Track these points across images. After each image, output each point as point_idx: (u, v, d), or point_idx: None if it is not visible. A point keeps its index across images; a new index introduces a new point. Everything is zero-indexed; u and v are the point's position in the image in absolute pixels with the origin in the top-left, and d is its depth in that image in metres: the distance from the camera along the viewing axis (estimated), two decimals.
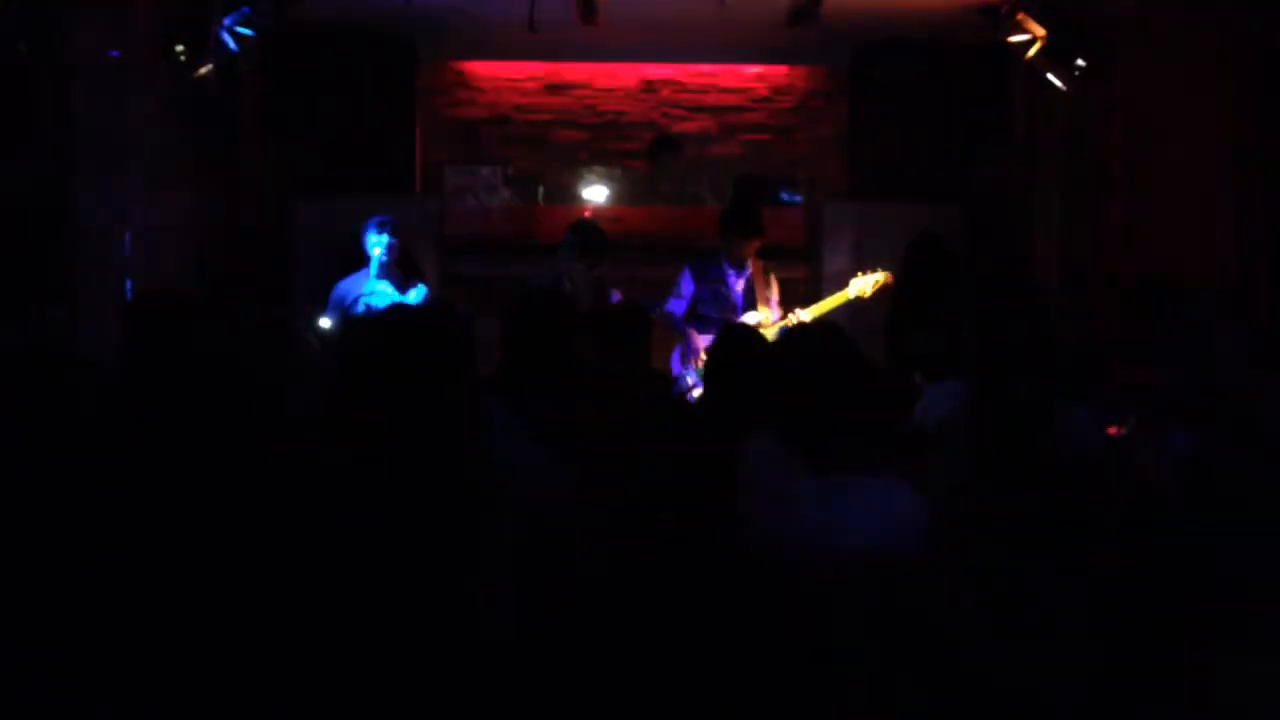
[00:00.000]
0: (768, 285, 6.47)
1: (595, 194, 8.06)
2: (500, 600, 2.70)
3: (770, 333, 6.14)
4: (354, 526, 2.12)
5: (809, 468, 2.73)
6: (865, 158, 8.33)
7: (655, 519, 2.69)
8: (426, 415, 2.82)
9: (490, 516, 2.58)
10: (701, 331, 6.33)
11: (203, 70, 6.33)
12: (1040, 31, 6.39)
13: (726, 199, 8.04)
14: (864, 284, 6.30)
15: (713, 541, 2.67)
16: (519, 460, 2.98)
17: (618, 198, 8.07)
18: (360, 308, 5.86)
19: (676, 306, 6.48)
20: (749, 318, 6.29)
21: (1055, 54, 6.43)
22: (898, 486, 2.75)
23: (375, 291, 5.94)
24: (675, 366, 6.37)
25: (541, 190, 8.01)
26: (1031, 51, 6.46)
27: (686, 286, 6.48)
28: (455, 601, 2.63)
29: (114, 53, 5.84)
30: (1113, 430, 2.72)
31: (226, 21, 6.25)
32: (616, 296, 6.25)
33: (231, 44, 6.28)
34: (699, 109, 8.48)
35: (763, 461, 2.88)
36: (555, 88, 8.44)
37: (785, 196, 7.95)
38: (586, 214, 7.09)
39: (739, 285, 6.44)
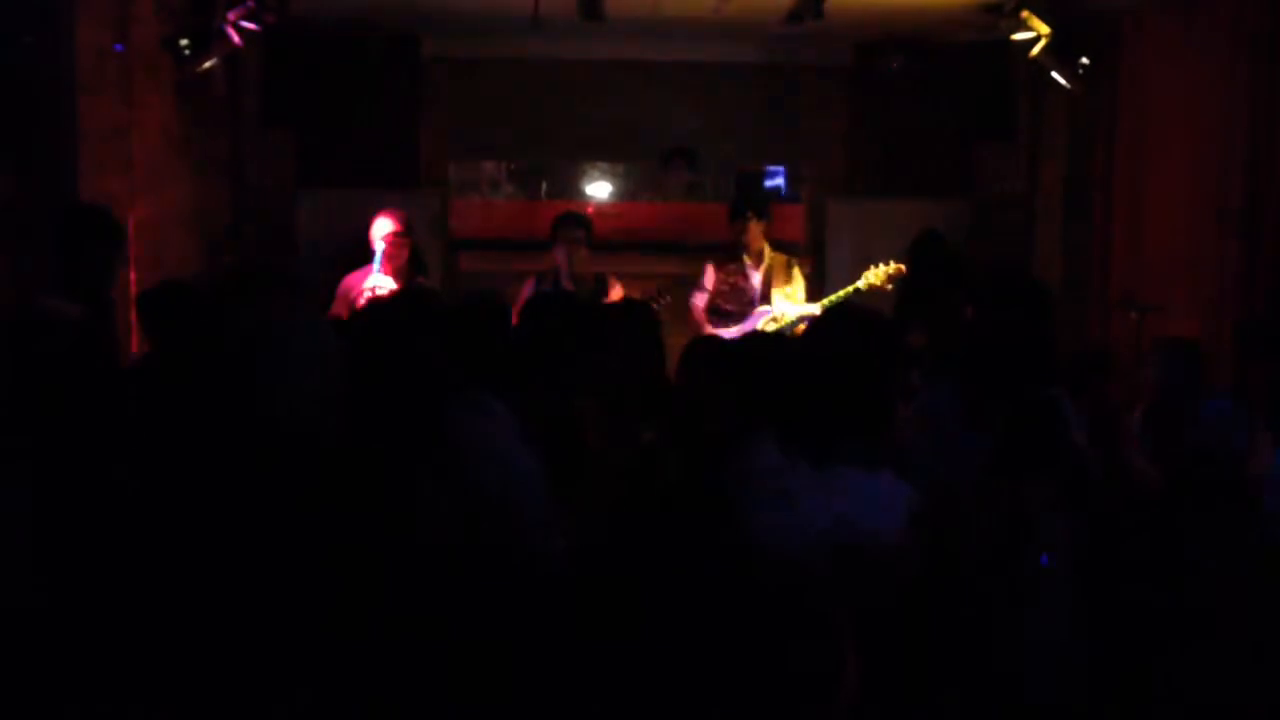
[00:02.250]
0: (789, 280, 6.47)
1: (598, 189, 8.07)
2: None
3: (777, 326, 6.18)
4: (352, 522, 2.12)
5: (808, 465, 2.74)
6: (868, 154, 8.32)
7: (654, 516, 2.69)
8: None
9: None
10: (720, 326, 6.36)
11: (206, 64, 6.34)
12: (1044, 29, 6.38)
13: (729, 195, 8.04)
14: (877, 273, 6.28)
15: (712, 539, 2.68)
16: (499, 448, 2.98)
17: (620, 193, 8.07)
18: (363, 301, 5.86)
19: (699, 300, 6.54)
20: (762, 312, 6.32)
21: (1059, 52, 6.42)
22: (892, 481, 2.76)
23: (380, 285, 5.94)
24: None
25: (545, 185, 8.02)
26: (1036, 49, 6.45)
27: (708, 279, 6.53)
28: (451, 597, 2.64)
29: (118, 46, 5.84)
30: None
31: (230, 15, 6.26)
32: (617, 289, 6.26)
33: (235, 37, 6.29)
34: (700, 104, 8.48)
35: (763, 462, 2.88)
36: (558, 82, 8.44)
37: (787, 193, 7.95)
38: (589, 210, 7.10)
39: (756, 279, 6.45)
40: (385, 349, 2.84)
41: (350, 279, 6.06)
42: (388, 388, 2.70)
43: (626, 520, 2.62)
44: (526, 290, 6.32)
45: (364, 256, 6.09)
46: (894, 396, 2.91)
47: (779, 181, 7.89)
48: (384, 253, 5.94)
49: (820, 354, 2.89)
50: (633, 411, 3.60)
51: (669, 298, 6.23)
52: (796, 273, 6.52)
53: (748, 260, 6.44)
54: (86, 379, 2.55)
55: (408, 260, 6.10)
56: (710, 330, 6.35)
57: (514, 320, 3.82)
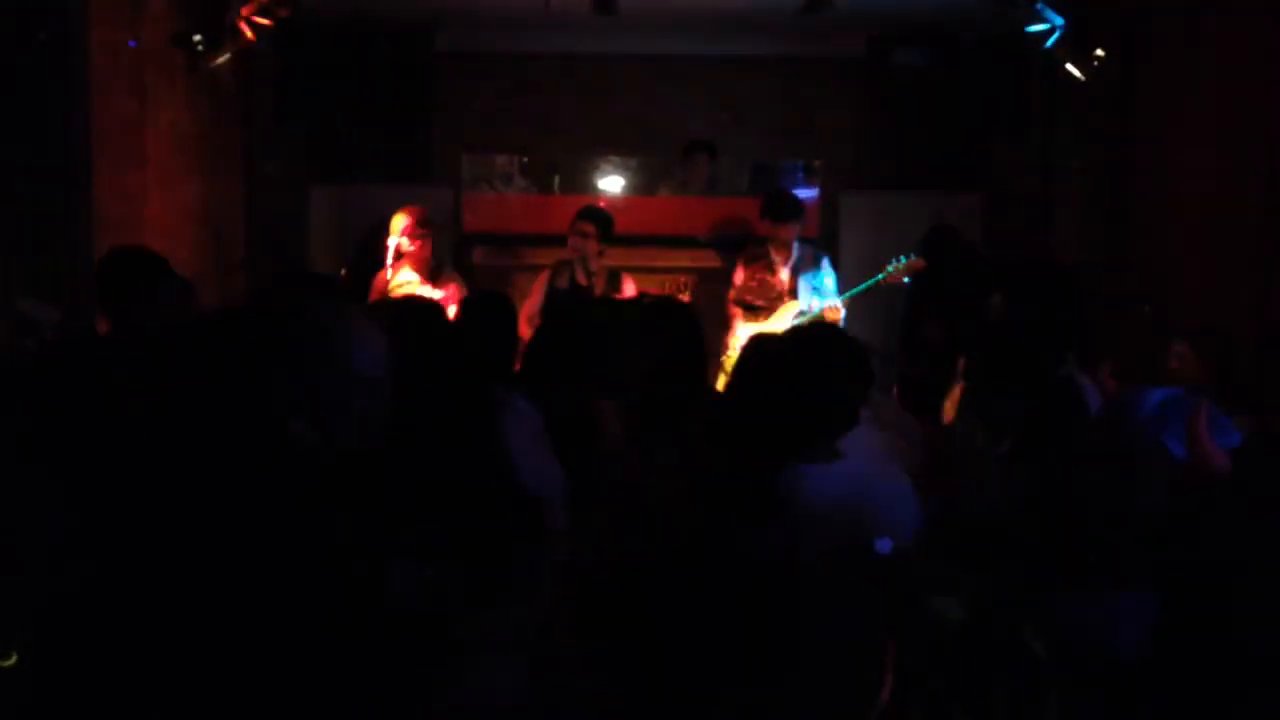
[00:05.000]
0: (817, 269, 6.51)
1: (611, 183, 8.05)
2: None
3: (807, 319, 6.20)
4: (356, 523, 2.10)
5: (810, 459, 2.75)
6: (882, 147, 8.30)
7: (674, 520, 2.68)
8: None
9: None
10: (749, 320, 6.41)
11: (219, 59, 6.35)
12: (1059, 20, 6.35)
13: (743, 189, 8.02)
14: (896, 268, 6.33)
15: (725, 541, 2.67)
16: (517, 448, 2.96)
17: (633, 187, 8.06)
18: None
19: (730, 295, 6.58)
20: (788, 308, 6.35)
21: (1074, 43, 6.39)
22: (873, 475, 2.77)
23: (403, 283, 5.93)
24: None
25: (558, 179, 8.00)
26: (1050, 41, 6.42)
27: (737, 275, 6.57)
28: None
29: (131, 42, 5.85)
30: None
31: (243, 10, 6.26)
32: (631, 285, 6.25)
33: (248, 33, 6.29)
34: (714, 98, 8.46)
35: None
36: (571, 76, 8.43)
37: (800, 186, 7.91)
38: (601, 204, 7.09)
39: (784, 274, 6.47)
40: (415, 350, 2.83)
41: (379, 279, 6.06)
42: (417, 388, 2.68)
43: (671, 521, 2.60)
44: (540, 284, 6.33)
45: (380, 252, 6.09)
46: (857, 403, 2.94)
47: (796, 180, 7.85)
48: (395, 248, 5.94)
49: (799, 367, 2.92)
50: (665, 411, 3.56)
51: (688, 292, 6.25)
52: (825, 263, 6.58)
53: (775, 256, 6.46)
54: (70, 379, 2.54)
55: (430, 254, 6.10)
56: (740, 324, 6.41)
57: (521, 316, 3.81)
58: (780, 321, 6.24)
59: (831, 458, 2.77)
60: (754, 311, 6.45)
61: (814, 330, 3.75)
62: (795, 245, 6.52)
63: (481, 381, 2.88)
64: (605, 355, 3.39)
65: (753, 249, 6.58)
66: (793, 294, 6.45)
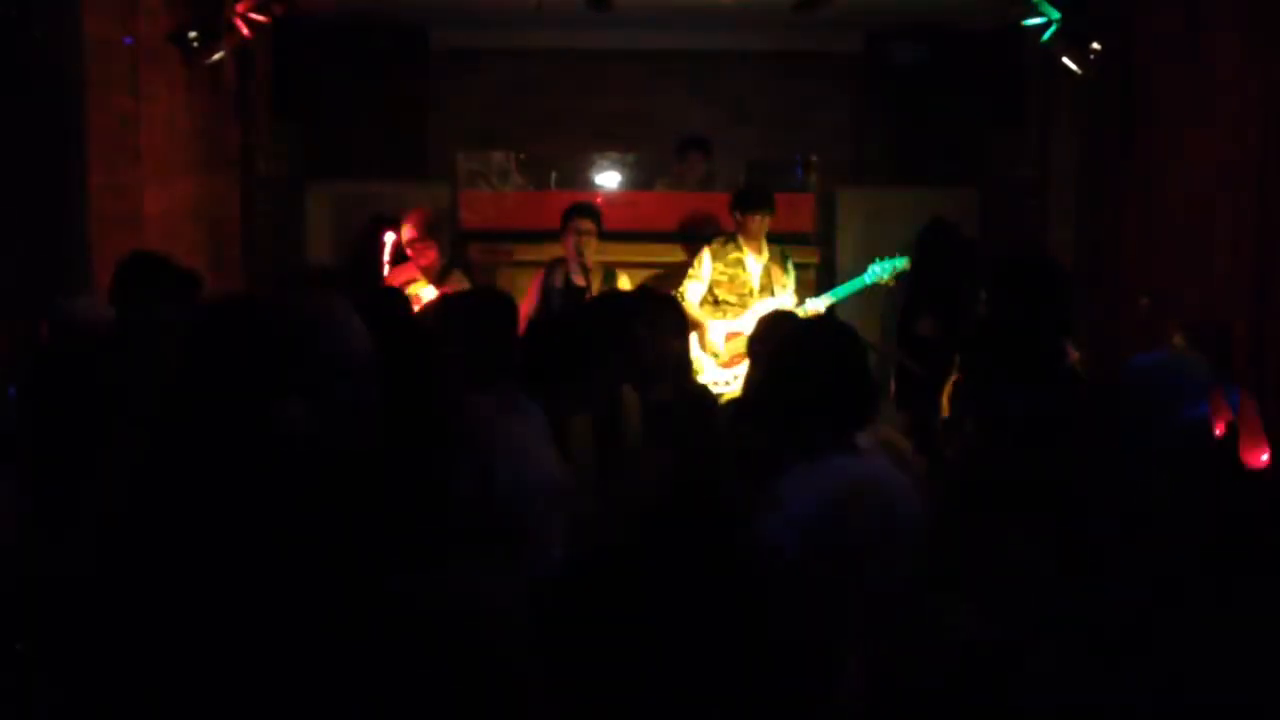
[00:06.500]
0: (785, 272, 6.40)
1: (607, 179, 8.04)
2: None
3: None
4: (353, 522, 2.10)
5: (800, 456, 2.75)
6: (878, 142, 8.30)
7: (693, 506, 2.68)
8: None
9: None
10: (716, 318, 6.29)
11: (215, 56, 6.34)
12: (1055, 14, 6.35)
13: (739, 184, 8.00)
14: (882, 270, 6.23)
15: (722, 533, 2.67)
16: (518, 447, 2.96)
17: (629, 183, 8.05)
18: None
19: (695, 291, 6.38)
20: (765, 305, 6.21)
21: (1070, 37, 6.39)
22: (885, 469, 2.77)
23: (415, 289, 5.94)
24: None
25: (554, 175, 8.00)
26: (1046, 35, 6.42)
27: (706, 269, 6.38)
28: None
29: (127, 39, 5.84)
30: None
31: (238, 7, 6.26)
32: (625, 282, 6.25)
33: (244, 29, 6.28)
34: (711, 94, 8.45)
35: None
36: (567, 73, 8.43)
37: (797, 182, 7.90)
38: (599, 199, 7.08)
39: (757, 270, 6.38)
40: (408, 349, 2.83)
41: (393, 277, 6.06)
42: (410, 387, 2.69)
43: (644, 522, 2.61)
44: (537, 281, 6.31)
45: (377, 249, 6.11)
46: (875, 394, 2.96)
47: (792, 176, 7.82)
48: (393, 249, 5.98)
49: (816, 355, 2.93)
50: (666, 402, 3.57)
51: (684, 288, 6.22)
52: (790, 264, 6.45)
53: (748, 250, 6.37)
54: (112, 380, 2.54)
55: (435, 260, 6.10)
56: (711, 321, 6.28)
57: (521, 312, 3.81)
58: (750, 320, 6.08)
59: (851, 450, 2.76)
60: (722, 308, 6.32)
61: (835, 323, 3.76)
62: (764, 242, 6.37)
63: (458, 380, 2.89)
64: (606, 354, 3.38)
65: (724, 241, 6.40)
66: (765, 291, 6.33)
